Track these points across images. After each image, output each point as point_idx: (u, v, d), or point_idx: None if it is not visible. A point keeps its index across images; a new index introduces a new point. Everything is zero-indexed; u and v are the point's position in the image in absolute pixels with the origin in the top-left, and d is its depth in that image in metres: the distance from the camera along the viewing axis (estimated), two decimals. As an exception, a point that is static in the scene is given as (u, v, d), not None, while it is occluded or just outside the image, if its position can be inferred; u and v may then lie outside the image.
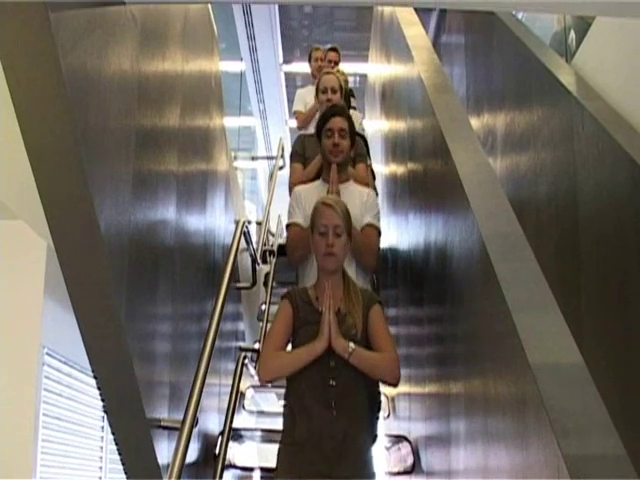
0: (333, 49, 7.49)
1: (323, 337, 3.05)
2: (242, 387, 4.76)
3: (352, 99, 6.25)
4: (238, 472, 4.14)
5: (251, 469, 4.18)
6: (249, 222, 5.52)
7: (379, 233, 4.00)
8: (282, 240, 6.14)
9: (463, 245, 2.78)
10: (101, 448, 6.39)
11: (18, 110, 1.82)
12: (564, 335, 1.95)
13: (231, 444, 3.91)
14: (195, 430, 2.97)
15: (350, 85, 6.52)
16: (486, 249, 2.35)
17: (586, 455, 1.60)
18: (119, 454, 2.69)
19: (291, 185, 4.77)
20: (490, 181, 2.86)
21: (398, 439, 4.06)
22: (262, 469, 4.09)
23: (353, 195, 4.00)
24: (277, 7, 10.20)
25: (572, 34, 4.42)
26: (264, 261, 5.94)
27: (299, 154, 4.98)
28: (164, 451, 2.85)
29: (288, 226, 4.12)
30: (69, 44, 1.82)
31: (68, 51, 1.81)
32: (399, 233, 4.92)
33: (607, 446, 1.61)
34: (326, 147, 4.15)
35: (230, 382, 4.34)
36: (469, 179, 2.79)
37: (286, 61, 12.26)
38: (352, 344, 3.06)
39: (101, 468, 6.36)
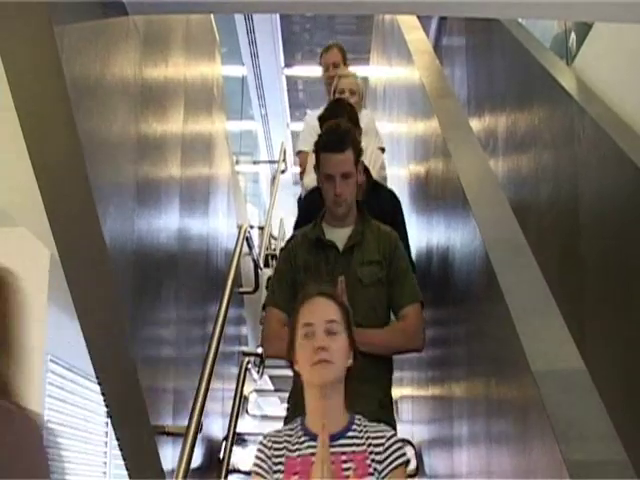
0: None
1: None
2: (245, 391, 4.77)
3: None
4: (242, 477, 4.15)
5: (255, 473, 4.18)
6: (251, 226, 5.54)
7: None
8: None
9: (465, 250, 2.79)
10: (105, 454, 6.40)
11: (22, 118, 1.83)
12: (566, 341, 1.96)
13: (235, 449, 3.92)
14: (199, 435, 2.98)
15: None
16: (488, 255, 2.36)
17: (587, 461, 1.60)
18: (123, 460, 2.70)
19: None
20: (491, 186, 2.87)
21: (402, 442, 4.06)
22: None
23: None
24: (278, 11, 10.21)
25: (573, 36, 4.42)
26: (266, 265, 5.95)
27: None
28: (169, 457, 2.86)
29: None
30: (72, 56, 1.83)
31: (71, 62, 1.82)
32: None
33: (608, 452, 1.62)
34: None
35: (233, 387, 4.35)
36: (470, 184, 2.80)
37: (287, 65, 12.27)
38: None
39: (105, 474, 6.37)
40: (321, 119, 3.65)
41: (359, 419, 2.16)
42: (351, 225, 2.99)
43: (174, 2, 2.40)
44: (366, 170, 3.62)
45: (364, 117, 4.35)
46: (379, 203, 3.52)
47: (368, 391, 2.69)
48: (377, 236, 2.97)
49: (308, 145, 4.72)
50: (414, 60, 4.61)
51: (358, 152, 3.00)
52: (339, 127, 3.09)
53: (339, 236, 2.96)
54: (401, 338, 2.89)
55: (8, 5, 1.66)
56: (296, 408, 2.58)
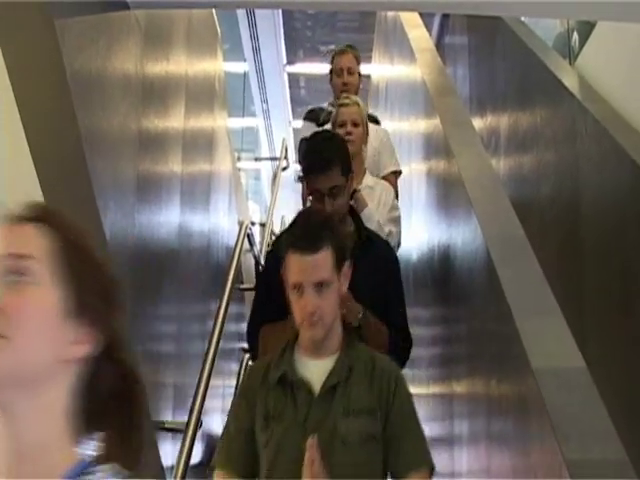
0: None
1: None
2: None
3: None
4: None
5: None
6: (253, 223, 5.53)
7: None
8: None
9: (466, 248, 2.79)
10: (105, 448, 6.40)
11: (23, 113, 1.83)
12: (566, 339, 1.95)
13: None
14: (199, 431, 2.97)
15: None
16: (489, 253, 2.35)
17: (587, 460, 1.60)
18: (122, 455, 2.69)
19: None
20: (493, 185, 2.86)
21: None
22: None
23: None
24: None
25: (575, 36, 4.41)
26: (267, 262, 5.93)
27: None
28: (168, 452, 2.86)
29: None
30: (74, 50, 1.83)
31: (73, 57, 1.82)
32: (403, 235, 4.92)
33: (608, 451, 1.61)
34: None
35: (234, 383, 4.35)
36: (472, 182, 2.79)
37: (289, 62, 12.26)
38: None
39: (105, 468, 6.37)
40: (305, 170, 2.80)
41: None
42: (333, 354, 2.09)
43: (176, -3, 2.40)
44: (354, 214, 2.84)
45: (375, 137, 3.94)
46: (371, 257, 2.64)
47: None
48: (371, 371, 2.08)
49: None
50: (416, 58, 4.60)
51: (341, 250, 2.08)
52: (312, 215, 2.26)
53: (316, 371, 2.07)
54: None
55: (10, 0, 1.66)
56: None
